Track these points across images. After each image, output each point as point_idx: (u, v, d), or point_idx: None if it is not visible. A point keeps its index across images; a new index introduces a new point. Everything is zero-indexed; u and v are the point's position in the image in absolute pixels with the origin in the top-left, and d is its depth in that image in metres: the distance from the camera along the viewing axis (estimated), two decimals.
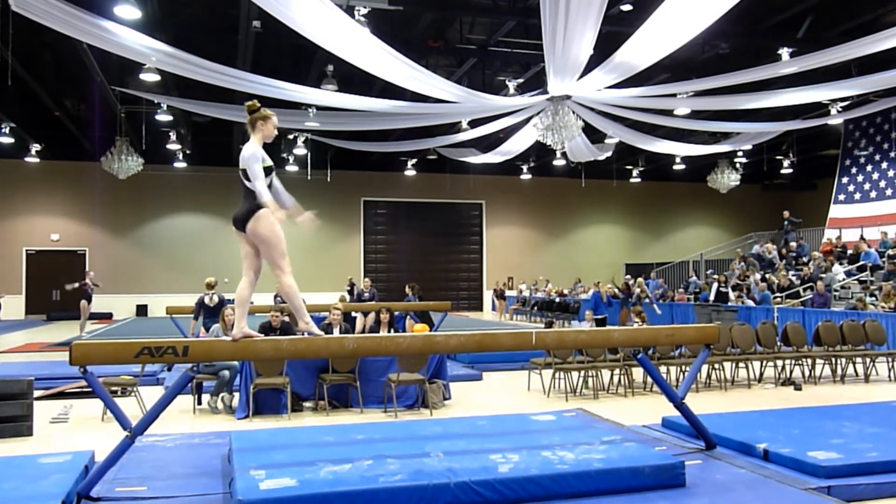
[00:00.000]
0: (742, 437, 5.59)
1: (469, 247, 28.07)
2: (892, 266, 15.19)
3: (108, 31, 9.61)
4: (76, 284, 16.05)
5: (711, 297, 16.85)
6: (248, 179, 4.63)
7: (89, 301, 16.02)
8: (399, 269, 26.59)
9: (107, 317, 23.11)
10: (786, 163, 23.08)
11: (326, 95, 13.08)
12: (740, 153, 21.96)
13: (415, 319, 12.65)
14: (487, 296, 27.64)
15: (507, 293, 25.26)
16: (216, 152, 22.86)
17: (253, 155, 4.62)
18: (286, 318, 8.13)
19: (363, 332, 11.38)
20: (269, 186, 4.70)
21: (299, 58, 14.85)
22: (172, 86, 14.84)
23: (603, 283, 17.28)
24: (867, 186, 20.04)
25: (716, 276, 18.65)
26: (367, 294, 14.97)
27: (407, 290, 16.17)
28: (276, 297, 15.70)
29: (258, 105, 4.85)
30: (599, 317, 15.07)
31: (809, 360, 9.84)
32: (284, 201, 4.85)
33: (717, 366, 9.34)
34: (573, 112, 13.45)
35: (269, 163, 4.74)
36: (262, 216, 4.60)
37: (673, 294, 19.64)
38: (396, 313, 11.44)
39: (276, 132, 4.90)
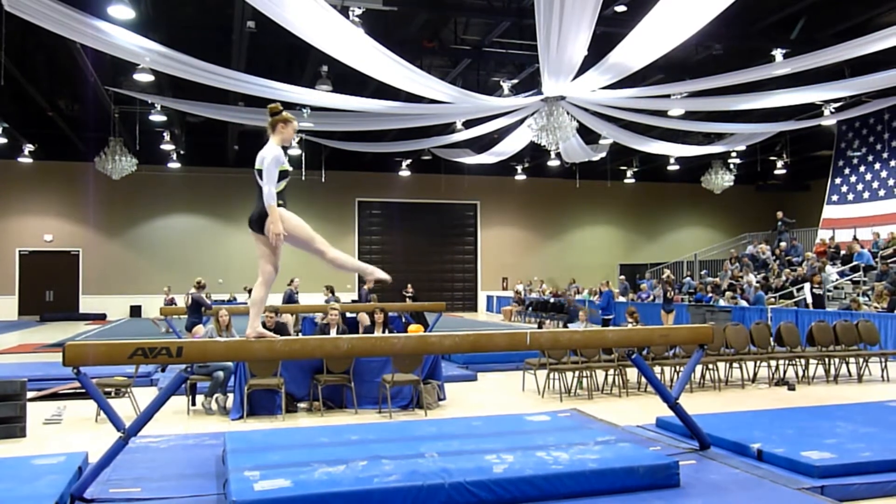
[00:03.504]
0: (736, 437, 5.60)
1: (463, 247, 28.05)
2: (885, 266, 15.26)
3: (102, 30, 9.59)
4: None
5: (809, 301, 14.64)
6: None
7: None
8: (394, 269, 26.31)
9: (100, 318, 23.03)
10: (779, 163, 23.16)
11: (321, 96, 13.07)
12: (734, 154, 22.00)
13: (407, 323, 12.67)
14: (482, 296, 27.66)
15: (501, 294, 25.23)
16: (210, 153, 22.83)
17: (275, 158, 4.48)
18: (281, 319, 8.12)
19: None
20: (283, 191, 4.56)
21: (293, 58, 14.82)
22: (166, 86, 14.79)
23: (603, 284, 17.30)
24: (860, 187, 20.14)
25: (808, 278, 15.36)
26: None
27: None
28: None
29: (280, 108, 4.72)
30: (607, 317, 15.01)
31: (803, 361, 9.88)
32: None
33: (711, 366, 9.35)
34: (567, 113, 13.48)
35: (287, 167, 4.60)
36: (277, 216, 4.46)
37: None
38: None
39: (295, 136, 4.84)
